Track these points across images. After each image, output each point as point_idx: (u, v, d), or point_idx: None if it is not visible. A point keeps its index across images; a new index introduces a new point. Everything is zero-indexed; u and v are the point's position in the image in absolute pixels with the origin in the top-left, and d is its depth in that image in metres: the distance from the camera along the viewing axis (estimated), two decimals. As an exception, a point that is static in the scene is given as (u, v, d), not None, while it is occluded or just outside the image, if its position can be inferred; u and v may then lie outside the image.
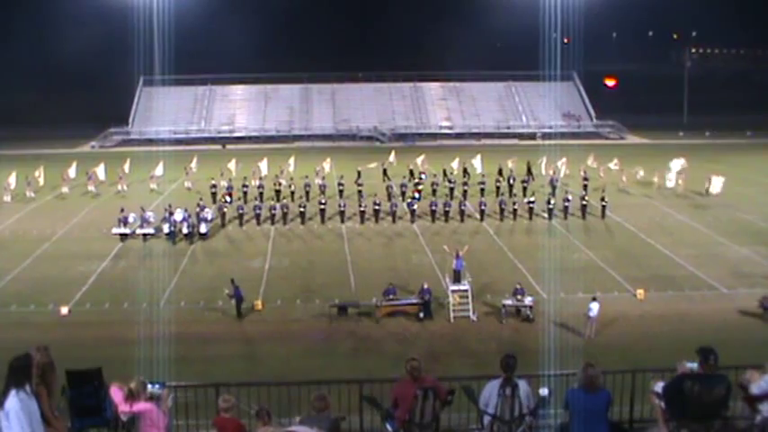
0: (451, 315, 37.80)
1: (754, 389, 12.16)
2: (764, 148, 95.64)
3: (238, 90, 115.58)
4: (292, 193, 62.25)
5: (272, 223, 55.82)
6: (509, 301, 38.02)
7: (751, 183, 71.08)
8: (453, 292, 38.66)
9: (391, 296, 38.54)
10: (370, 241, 52.23)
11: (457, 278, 40.11)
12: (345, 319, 37.81)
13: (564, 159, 72.34)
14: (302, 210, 56.65)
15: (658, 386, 12.51)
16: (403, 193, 62.36)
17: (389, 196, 60.53)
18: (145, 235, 51.65)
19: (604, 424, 11.76)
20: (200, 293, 41.13)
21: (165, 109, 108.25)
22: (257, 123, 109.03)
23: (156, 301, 39.25)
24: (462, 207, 57.67)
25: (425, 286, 38.48)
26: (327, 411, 13.05)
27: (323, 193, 60.35)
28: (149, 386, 12.42)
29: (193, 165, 72.15)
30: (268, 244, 51.44)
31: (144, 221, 52.18)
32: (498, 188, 64.30)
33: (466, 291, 38.74)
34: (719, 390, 11.52)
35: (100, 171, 70.56)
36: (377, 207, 56.82)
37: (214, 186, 62.86)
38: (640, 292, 40.61)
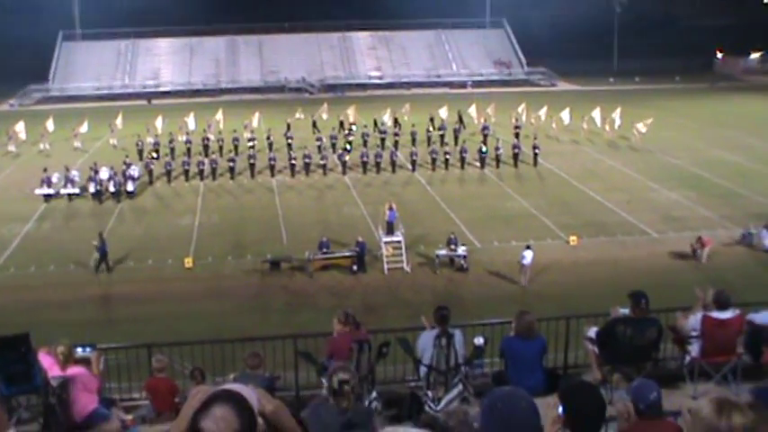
0: (385, 267, 38.03)
1: (688, 323, 12.43)
2: (692, 93, 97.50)
3: (162, 43, 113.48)
4: (221, 147, 61.54)
5: (201, 179, 55.24)
6: (443, 252, 38.32)
7: (679, 127, 72.26)
8: (386, 243, 38.86)
9: (325, 250, 38.57)
10: (302, 195, 52.10)
11: (390, 230, 40.22)
12: (278, 274, 37.86)
13: (492, 105, 72.81)
14: (231, 164, 56.11)
15: (591, 331, 12.77)
16: (333, 145, 62.03)
17: (320, 148, 60.15)
18: (70, 195, 50.76)
19: (539, 370, 11.94)
20: (129, 253, 40.60)
21: (86, 64, 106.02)
22: (183, 77, 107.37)
23: (82, 262, 38.77)
24: (394, 158, 57.68)
25: (360, 239, 38.60)
26: (262, 368, 13.08)
27: (252, 146, 59.72)
28: (80, 349, 12.25)
29: (118, 121, 70.78)
30: (197, 200, 50.98)
31: (68, 181, 51.24)
32: (429, 138, 64.16)
33: (399, 242, 38.97)
34: (651, 333, 11.80)
35: (20, 129, 68.84)
36: (307, 160, 56.48)
37: (140, 143, 61.81)
38: (573, 239, 41.25)
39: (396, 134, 64.42)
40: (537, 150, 58.20)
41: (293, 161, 56.62)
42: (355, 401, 7.27)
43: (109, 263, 38.47)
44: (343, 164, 56.94)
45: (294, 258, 38.67)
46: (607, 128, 67.44)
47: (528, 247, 36.36)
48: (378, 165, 56.88)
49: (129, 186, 51.62)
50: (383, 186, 53.11)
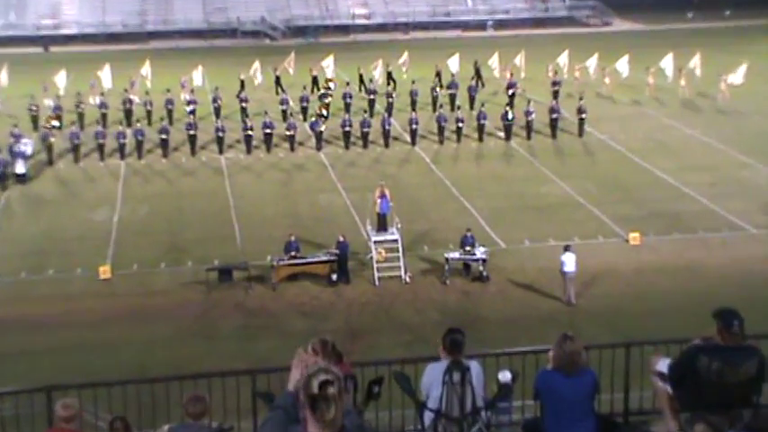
0: (376, 276, 37.84)
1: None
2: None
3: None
4: (149, 113, 61.45)
5: (122, 157, 55.20)
6: (455, 255, 38.09)
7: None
8: (377, 244, 38.66)
9: (294, 253, 38.27)
10: (261, 178, 52.23)
11: (382, 225, 40.07)
12: (230, 286, 37.71)
13: (522, 54, 72.96)
14: (164, 137, 55.92)
15: (663, 364, 12.63)
16: (304, 111, 62.07)
17: (285, 115, 59.93)
18: (-65, 180, 50.67)
19: (590, 417, 11.79)
20: (21, 260, 40.57)
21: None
22: (94, 16, 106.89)
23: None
24: (386, 127, 57.43)
25: (341, 239, 38.30)
26: (207, 416, 13.01)
27: (192, 112, 59.58)
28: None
29: (2, 76, 70.70)
30: (117, 186, 50.96)
31: (-67, 160, 51.16)
32: (435, 99, 64.15)
33: (395, 242, 38.78)
34: (748, 367, 11.61)
35: None
36: (268, 130, 56.27)
37: (35, 107, 61.62)
38: (635, 237, 41.13)
39: (389, 95, 64.32)
40: (583, 115, 58.19)
41: (249, 132, 56.40)
42: (345, 416, 6.85)
43: None
44: (318, 136, 56.91)
45: (251, 265, 38.58)
46: (682, 82, 67.35)
47: (567, 249, 35.95)
48: (365, 136, 56.83)
49: (20, 167, 51.47)
50: (372, 166, 53.30)
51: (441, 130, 57.50)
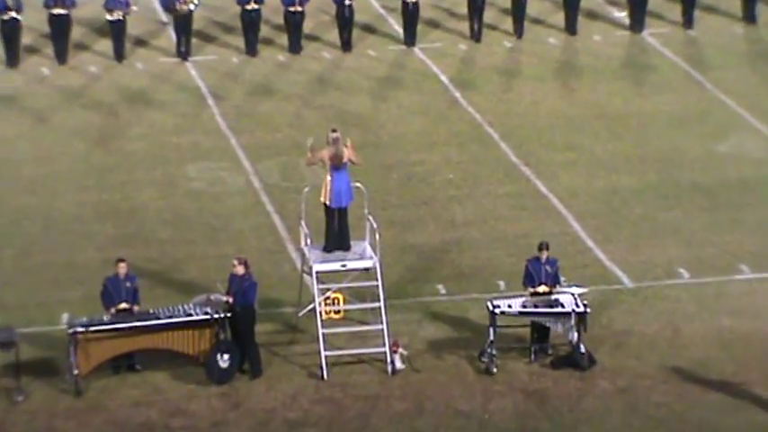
0: (323, 356, 33.09)
1: None
2: None
3: None
4: None
5: None
6: (512, 304, 33.64)
7: None
8: (320, 274, 34.71)
9: (126, 304, 33.60)
10: (45, 125, 52.18)
11: (337, 236, 34.90)
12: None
13: None
14: None
15: None
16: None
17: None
18: None
19: None
20: None
21: None
22: None
23: None
24: (346, 1, 54.04)
25: (240, 270, 33.40)
26: None
27: None
28: None
29: None
30: None
31: None
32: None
33: (368, 273, 34.37)
34: None
35: None
36: (62, 11, 59.17)
37: None
38: None
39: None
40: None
41: (12, 13, 58.03)
42: None
43: None
44: (182, 23, 58.18)
45: (23, 336, 33.91)
46: None
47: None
48: (293, 24, 54.26)
49: None
50: (312, 95, 51.26)
51: (475, 8, 53.93)
